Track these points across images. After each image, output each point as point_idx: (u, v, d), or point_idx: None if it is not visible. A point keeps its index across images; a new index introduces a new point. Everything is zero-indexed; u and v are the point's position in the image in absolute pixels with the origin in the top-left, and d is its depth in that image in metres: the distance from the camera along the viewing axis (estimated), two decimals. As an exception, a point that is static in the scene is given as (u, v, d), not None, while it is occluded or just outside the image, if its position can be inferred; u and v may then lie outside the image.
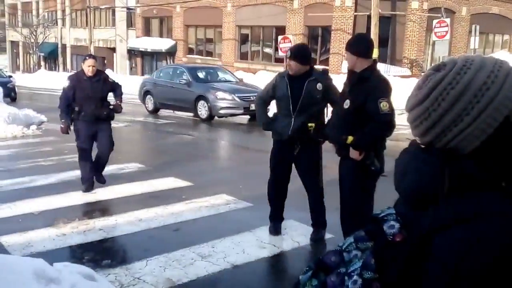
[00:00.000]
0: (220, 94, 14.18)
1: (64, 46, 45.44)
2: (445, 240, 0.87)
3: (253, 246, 4.70)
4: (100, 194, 6.46)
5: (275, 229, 4.98)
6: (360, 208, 3.91)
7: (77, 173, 7.59)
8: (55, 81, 32.91)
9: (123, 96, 6.84)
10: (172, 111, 15.96)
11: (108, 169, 7.78)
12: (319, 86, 4.62)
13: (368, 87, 3.79)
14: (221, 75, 16.56)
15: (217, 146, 11.20)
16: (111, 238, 4.92)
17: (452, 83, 0.96)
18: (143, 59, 36.78)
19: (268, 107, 5.26)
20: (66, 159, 8.64)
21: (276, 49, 25.25)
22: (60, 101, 6.47)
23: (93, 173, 6.64)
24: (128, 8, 37.35)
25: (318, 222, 4.86)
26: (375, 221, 0.99)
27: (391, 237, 0.94)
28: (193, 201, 6.11)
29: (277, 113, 4.87)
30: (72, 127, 6.56)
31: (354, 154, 3.84)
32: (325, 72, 4.99)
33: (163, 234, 5.05)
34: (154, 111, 16.28)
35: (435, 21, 19.66)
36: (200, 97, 14.52)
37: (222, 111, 14.17)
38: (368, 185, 3.96)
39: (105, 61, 40.01)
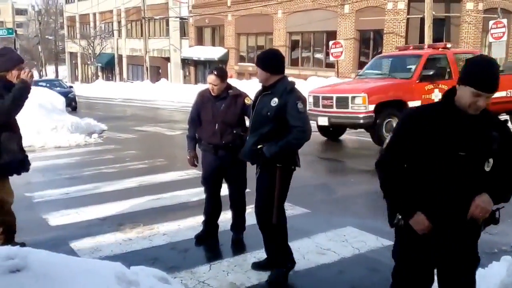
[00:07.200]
0: None
1: (120, 57, 46.95)
2: None
3: (312, 252, 4.75)
4: (163, 200, 6.67)
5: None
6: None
7: (138, 179, 7.90)
8: (112, 90, 34.24)
9: None
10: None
11: (168, 176, 8.05)
12: (273, 101, 3.86)
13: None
14: None
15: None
16: (175, 243, 5.09)
17: None
18: (196, 68, 37.51)
19: None
20: (128, 166, 8.99)
21: (327, 54, 25.19)
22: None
23: (214, 225, 5.34)
24: (181, 18, 38.27)
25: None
26: None
27: None
28: (250, 207, 6.21)
29: None
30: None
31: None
32: (288, 87, 3.92)
33: (224, 239, 5.17)
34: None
35: (491, 22, 19.11)
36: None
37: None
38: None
39: (160, 71, 41.11)
